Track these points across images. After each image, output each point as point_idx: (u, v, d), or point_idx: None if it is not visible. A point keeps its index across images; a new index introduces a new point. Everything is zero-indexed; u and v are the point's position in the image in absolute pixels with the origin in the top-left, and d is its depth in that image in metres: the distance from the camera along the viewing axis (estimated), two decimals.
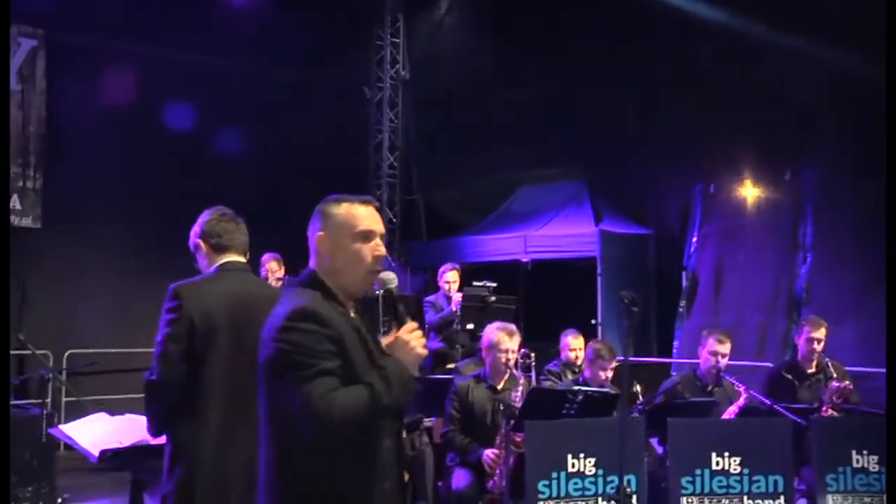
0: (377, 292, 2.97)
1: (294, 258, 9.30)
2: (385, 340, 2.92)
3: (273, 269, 8.75)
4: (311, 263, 2.92)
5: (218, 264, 3.78)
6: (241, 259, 3.84)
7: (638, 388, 6.65)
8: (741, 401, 6.43)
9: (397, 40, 13.71)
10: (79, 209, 10.81)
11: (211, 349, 3.56)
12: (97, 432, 3.94)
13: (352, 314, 2.88)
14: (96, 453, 3.80)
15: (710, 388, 6.71)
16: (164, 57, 11.33)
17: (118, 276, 11.13)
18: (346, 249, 2.84)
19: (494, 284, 8.87)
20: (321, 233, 2.87)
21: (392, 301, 2.98)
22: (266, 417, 2.83)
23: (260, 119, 12.05)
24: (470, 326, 8.63)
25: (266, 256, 8.86)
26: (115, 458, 3.86)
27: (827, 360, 6.80)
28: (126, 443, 3.84)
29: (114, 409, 4.57)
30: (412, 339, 2.84)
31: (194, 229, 3.87)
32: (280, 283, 8.69)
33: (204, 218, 3.87)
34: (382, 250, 2.88)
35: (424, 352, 2.85)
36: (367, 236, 2.86)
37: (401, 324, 2.88)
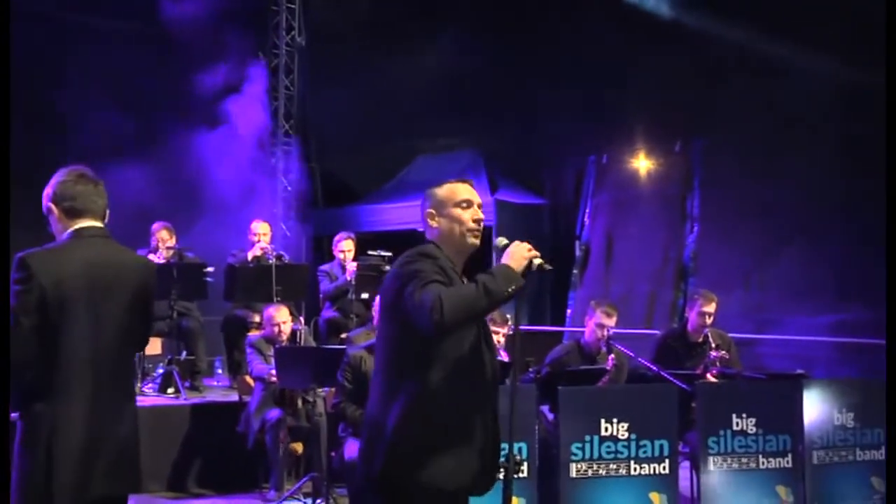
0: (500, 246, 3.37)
1: (182, 224, 9.15)
2: None
3: (164, 237, 8.55)
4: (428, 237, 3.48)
5: (72, 230, 3.49)
6: (98, 224, 3.55)
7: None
8: (608, 364, 6.59)
9: (293, 6, 13.46)
10: None
11: (67, 321, 3.32)
12: None
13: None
14: None
15: (594, 356, 6.86)
16: (56, 19, 10.80)
17: None
18: (451, 215, 3.42)
19: (390, 254, 8.84)
20: (430, 209, 3.46)
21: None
22: (384, 355, 3.36)
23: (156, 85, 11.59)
24: (365, 296, 8.60)
25: (156, 225, 8.65)
26: None
27: (707, 330, 7.00)
28: None
29: None
30: (523, 246, 3.27)
31: (46, 191, 3.54)
32: (171, 252, 8.51)
33: (57, 178, 3.54)
34: (481, 215, 3.46)
35: (534, 252, 3.25)
36: (467, 203, 3.43)
37: (525, 268, 3.28)
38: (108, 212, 3.61)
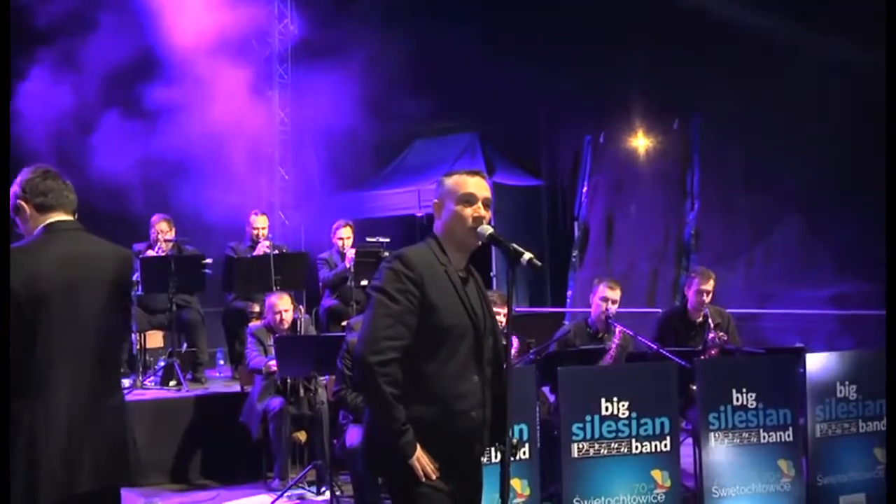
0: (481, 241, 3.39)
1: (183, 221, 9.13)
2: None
3: (163, 229, 8.54)
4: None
5: (44, 224, 3.49)
6: (70, 217, 3.56)
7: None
8: (612, 345, 6.59)
9: None
10: None
11: (42, 317, 3.30)
12: None
13: (459, 273, 3.39)
14: None
15: (600, 335, 6.85)
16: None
17: None
18: (452, 211, 3.37)
19: (388, 240, 8.83)
20: (436, 200, 3.45)
21: (496, 242, 3.36)
22: None
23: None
24: (364, 283, 8.59)
25: (156, 217, 8.65)
26: None
27: (706, 309, 6.99)
28: None
29: None
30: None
31: (13, 189, 3.54)
32: (170, 244, 8.50)
33: (24, 176, 3.55)
34: (482, 212, 3.36)
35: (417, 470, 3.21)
36: (469, 199, 3.36)
37: (510, 256, 3.28)
38: (77, 206, 3.60)
